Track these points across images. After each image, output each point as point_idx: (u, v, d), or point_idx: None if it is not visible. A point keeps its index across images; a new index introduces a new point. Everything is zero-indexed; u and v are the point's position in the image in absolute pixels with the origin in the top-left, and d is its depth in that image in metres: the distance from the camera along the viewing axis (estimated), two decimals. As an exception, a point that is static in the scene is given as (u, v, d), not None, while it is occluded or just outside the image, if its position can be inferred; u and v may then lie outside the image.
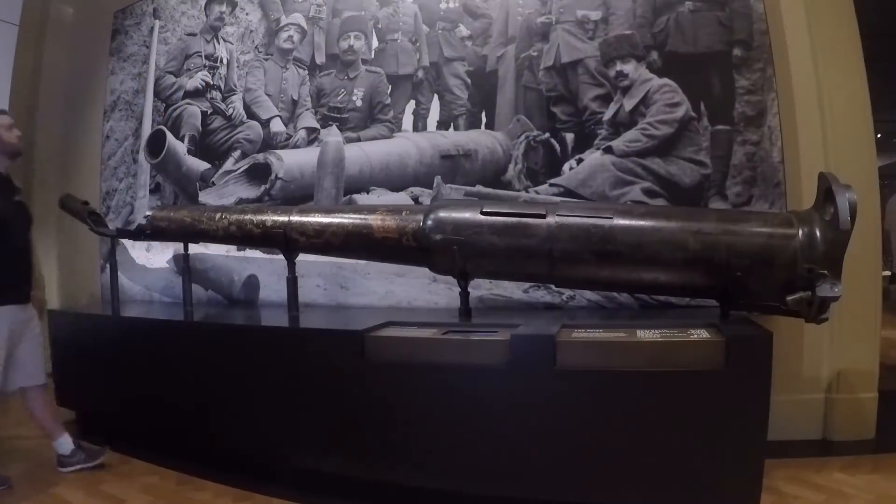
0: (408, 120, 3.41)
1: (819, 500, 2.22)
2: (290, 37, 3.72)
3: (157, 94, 4.18)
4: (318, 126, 3.62)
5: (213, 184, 3.89)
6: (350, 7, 3.58)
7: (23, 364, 2.74)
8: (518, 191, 3.14)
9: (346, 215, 2.77)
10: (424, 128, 3.37)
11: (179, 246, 3.48)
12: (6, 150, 2.69)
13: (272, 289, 3.66)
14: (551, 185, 3.09)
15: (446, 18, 3.36)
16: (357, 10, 3.57)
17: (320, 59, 3.65)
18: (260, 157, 3.74)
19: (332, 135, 3.56)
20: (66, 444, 2.77)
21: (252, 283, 3.74)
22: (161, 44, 4.18)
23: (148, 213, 3.41)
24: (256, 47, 3.83)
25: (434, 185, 3.29)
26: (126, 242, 4.14)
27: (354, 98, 3.54)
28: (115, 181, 4.34)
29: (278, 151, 3.69)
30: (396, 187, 3.37)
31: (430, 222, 2.48)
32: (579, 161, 3.05)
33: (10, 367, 2.69)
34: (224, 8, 3.93)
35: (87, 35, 4.62)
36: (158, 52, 4.19)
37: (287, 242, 2.89)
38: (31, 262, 2.86)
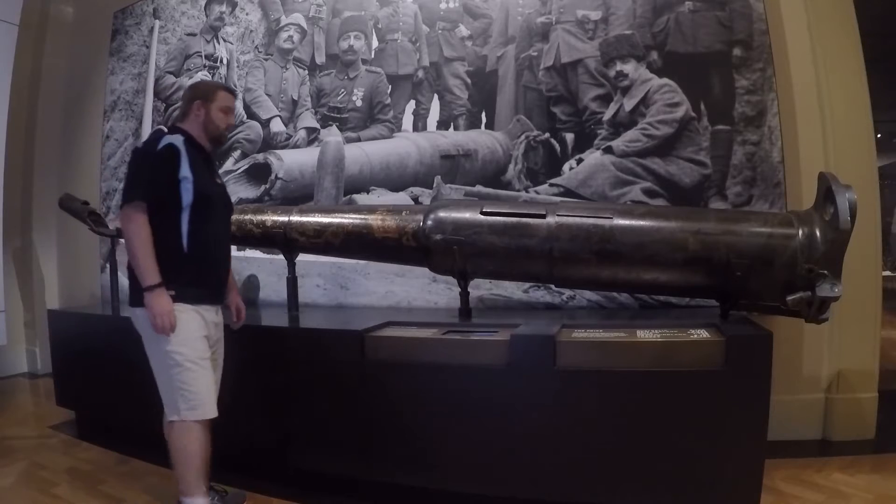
0: (408, 120, 3.41)
1: (819, 500, 2.22)
2: (290, 37, 3.72)
3: (157, 94, 4.18)
4: (318, 126, 3.62)
5: (213, 184, 3.89)
6: (350, 7, 3.58)
7: None
8: (518, 191, 3.14)
9: (346, 215, 2.77)
10: (424, 128, 3.37)
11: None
12: (210, 133, 2.15)
13: (272, 289, 3.66)
14: (551, 185, 3.09)
15: (446, 18, 3.37)
16: (357, 10, 3.57)
17: (320, 59, 3.65)
18: (260, 157, 3.74)
19: (332, 135, 3.56)
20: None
21: (252, 283, 3.74)
22: (161, 44, 4.18)
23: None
24: (256, 47, 3.83)
25: (434, 185, 3.29)
26: (126, 242, 4.13)
27: (354, 98, 3.54)
28: (115, 181, 4.34)
29: (278, 151, 3.70)
30: (396, 187, 3.37)
31: (430, 222, 2.48)
32: (579, 161, 3.05)
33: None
34: (224, 8, 3.93)
35: (87, 35, 4.62)
36: (158, 52, 4.19)
37: (287, 242, 2.89)
38: (230, 256, 2.30)
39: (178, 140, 2.04)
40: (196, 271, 2.06)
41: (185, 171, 2.02)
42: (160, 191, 1.98)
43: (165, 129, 2.10)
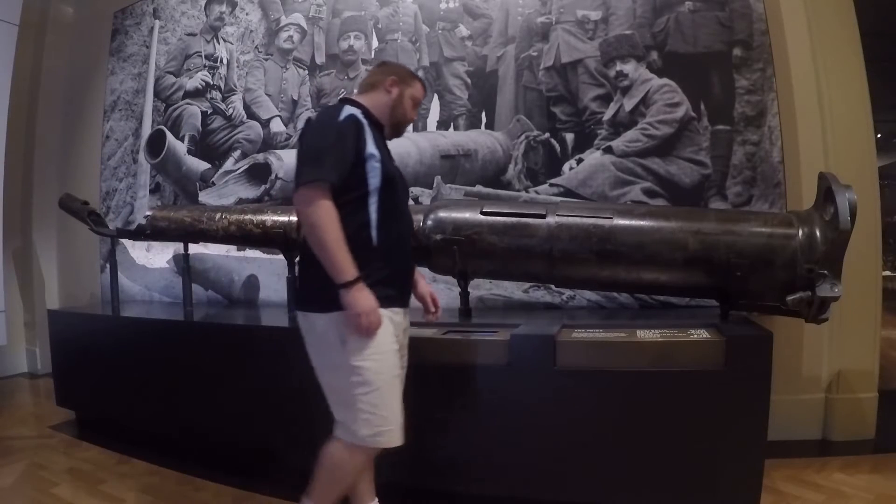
0: (408, 120, 3.41)
1: (819, 500, 2.22)
2: (290, 37, 3.72)
3: (157, 94, 4.18)
4: (318, 126, 3.61)
5: (213, 184, 3.89)
6: (350, 7, 3.58)
7: None
8: (518, 191, 3.14)
9: (346, 215, 2.77)
10: (424, 128, 3.37)
11: (179, 246, 3.49)
12: (395, 117, 1.86)
13: (272, 289, 3.66)
14: (551, 185, 3.09)
15: (446, 18, 3.37)
16: (357, 10, 3.57)
17: (320, 59, 3.65)
18: (260, 157, 3.74)
19: (332, 135, 3.56)
20: None
21: (252, 283, 3.74)
22: (161, 44, 4.18)
23: (148, 213, 3.41)
24: (256, 47, 3.83)
25: (434, 185, 3.29)
26: (126, 242, 4.14)
27: (354, 98, 3.53)
28: (115, 181, 4.34)
29: (278, 151, 3.70)
30: (396, 187, 3.36)
31: (430, 222, 2.48)
32: (579, 161, 3.05)
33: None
34: (224, 8, 3.93)
35: (87, 35, 4.62)
36: (158, 52, 4.19)
37: (287, 242, 2.89)
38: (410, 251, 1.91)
39: (358, 113, 1.72)
40: (386, 268, 1.72)
41: (371, 147, 1.70)
42: (346, 170, 1.64)
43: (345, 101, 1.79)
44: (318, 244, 1.59)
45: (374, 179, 1.69)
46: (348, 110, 1.71)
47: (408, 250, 1.86)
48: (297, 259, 1.78)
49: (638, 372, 1.97)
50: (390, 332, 1.71)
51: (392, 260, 1.75)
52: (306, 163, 1.64)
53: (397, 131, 1.91)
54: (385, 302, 1.68)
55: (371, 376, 1.65)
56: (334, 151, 1.62)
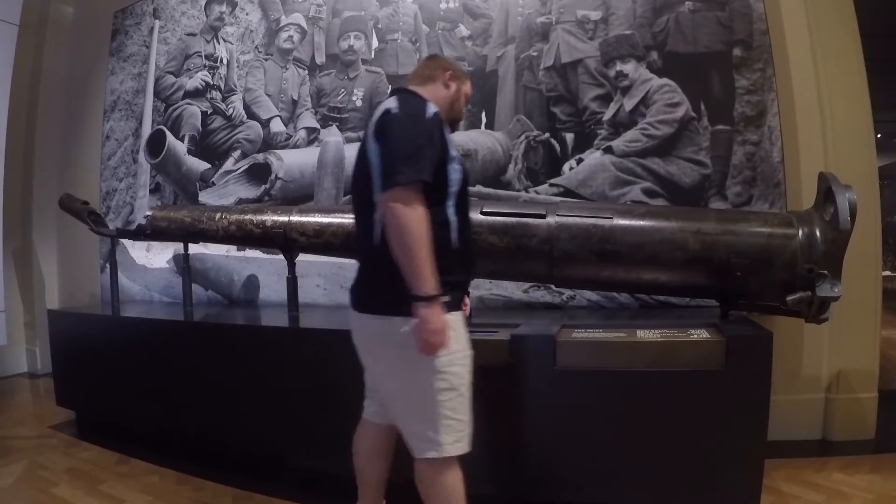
0: (408, 120, 3.41)
1: (819, 500, 2.22)
2: (290, 37, 3.72)
3: (157, 94, 4.18)
4: (318, 126, 3.62)
5: (213, 184, 3.89)
6: (350, 7, 3.58)
7: None
8: (518, 191, 3.14)
9: (346, 215, 2.77)
10: (424, 128, 3.36)
11: (179, 246, 3.48)
12: (454, 113, 1.81)
13: (272, 289, 3.66)
14: (551, 185, 3.09)
15: (446, 18, 3.36)
16: (357, 10, 3.57)
17: (320, 59, 3.65)
18: (260, 157, 3.74)
19: (332, 135, 3.56)
20: None
21: (252, 283, 3.74)
22: (161, 44, 4.18)
23: (148, 213, 3.42)
24: (256, 47, 3.83)
25: (434, 185, 3.28)
26: (126, 242, 4.14)
27: (354, 98, 3.54)
28: (115, 181, 4.34)
29: (278, 151, 3.70)
30: (396, 187, 3.36)
31: (430, 222, 2.48)
32: (579, 161, 3.05)
33: None
34: (224, 8, 3.93)
35: (87, 35, 4.62)
36: (158, 52, 4.19)
37: (287, 242, 2.89)
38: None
39: (435, 109, 1.62)
40: (462, 272, 1.68)
41: (451, 148, 1.63)
42: (433, 171, 1.54)
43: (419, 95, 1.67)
44: (406, 250, 1.47)
45: (456, 181, 1.64)
46: (432, 107, 1.60)
47: (474, 253, 1.83)
48: (368, 257, 1.67)
49: (638, 372, 1.97)
50: (468, 336, 1.67)
51: (468, 265, 1.73)
52: (402, 160, 1.49)
53: (452, 128, 1.82)
54: (458, 306, 1.65)
55: (456, 381, 1.60)
56: (429, 150, 1.52)
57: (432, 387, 1.58)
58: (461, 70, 1.87)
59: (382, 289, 1.62)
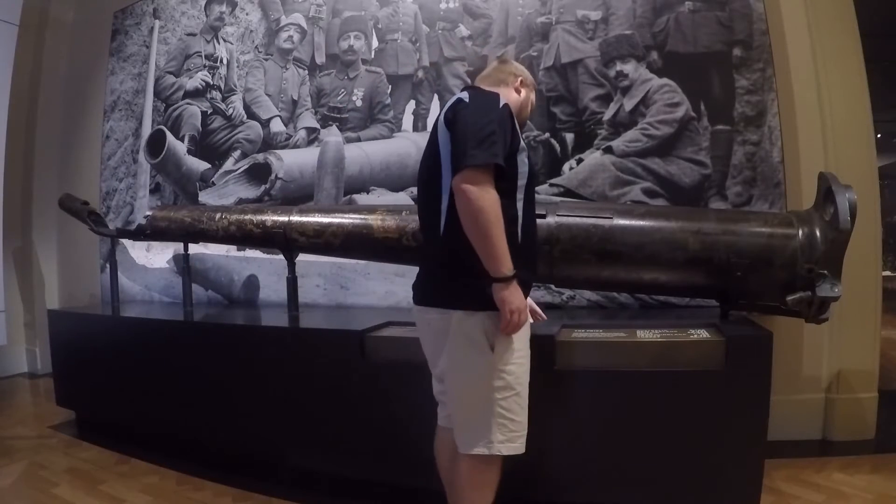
0: (408, 120, 3.41)
1: (819, 500, 2.22)
2: (290, 37, 3.72)
3: (157, 94, 4.18)
4: (318, 126, 3.62)
5: (213, 184, 3.89)
6: (350, 7, 3.58)
7: None
8: (518, 191, 3.13)
9: (346, 215, 2.77)
10: (424, 128, 3.36)
11: (179, 246, 3.49)
12: (522, 117, 1.79)
13: (272, 289, 3.66)
14: (551, 185, 3.09)
15: (446, 18, 3.36)
16: (357, 10, 3.57)
17: (320, 59, 3.65)
18: (260, 157, 3.75)
19: (332, 135, 3.56)
20: None
21: (252, 283, 3.74)
22: (161, 44, 4.18)
23: (148, 213, 3.42)
24: (256, 47, 3.83)
25: (434, 185, 3.28)
26: (126, 242, 4.14)
27: (354, 98, 3.54)
28: (115, 181, 4.34)
29: (278, 151, 3.70)
30: (396, 187, 3.37)
31: (430, 222, 2.48)
32: (579, 161, 3.05)
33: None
34: (224, 8, 3.93)
35: (87, 35, 4.62)
36: (158, 52, 4.19)
37: (287, 242, 2.89)
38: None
39: (506, 101, 1.62)
40: (526, 268, 1.62)
41: (521, 139, 1.60)
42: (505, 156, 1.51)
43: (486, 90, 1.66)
44: (482, 232, 1.46)
45: (524, 173, 1.61)
46: (503, 100, 1.60)
47: (537, 252, 1.79)
48: (432, 250, 1.65)
49: (638, 372, 1.97)
50: (528, 335, 1.66)
51: (532, 260, 1.70)
52: (473, 143, 1.47)
53: (522, 127, 1.79)
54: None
55: (513, 380, 1.59)
56: (502, 136, 1.50)
57: (490, 384, 1.57)
58: (531, 79, 1.87)
59: (443, 281, 1.62)
